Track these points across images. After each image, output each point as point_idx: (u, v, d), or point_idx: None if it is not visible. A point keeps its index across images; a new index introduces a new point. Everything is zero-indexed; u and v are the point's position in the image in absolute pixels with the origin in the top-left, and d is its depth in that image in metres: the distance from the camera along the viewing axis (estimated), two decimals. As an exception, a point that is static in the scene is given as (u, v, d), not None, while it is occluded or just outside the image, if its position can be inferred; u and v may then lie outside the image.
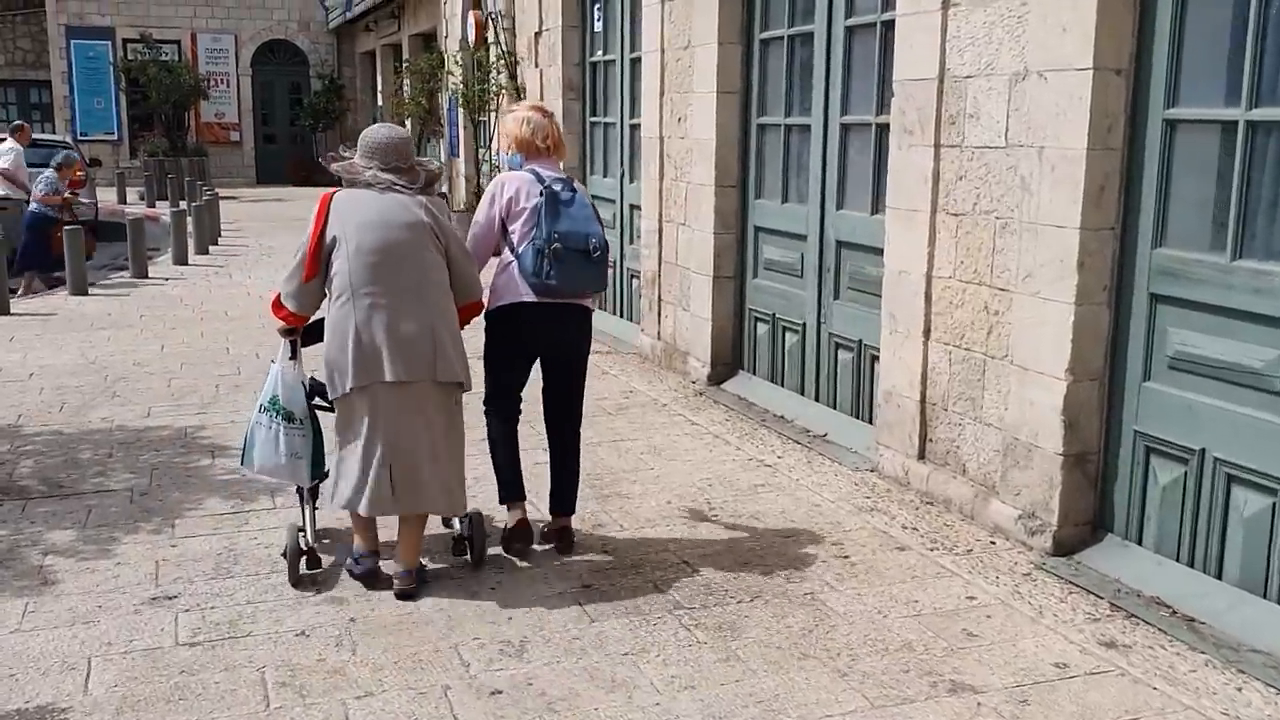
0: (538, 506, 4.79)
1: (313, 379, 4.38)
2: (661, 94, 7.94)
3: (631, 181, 9.13)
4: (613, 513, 5.08)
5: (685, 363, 7.75)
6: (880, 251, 5.78)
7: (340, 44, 30.19)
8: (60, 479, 5.52)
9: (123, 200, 23.56)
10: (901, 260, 5.34)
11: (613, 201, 9.52)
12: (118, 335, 9.33)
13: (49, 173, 12.54)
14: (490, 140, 15.90)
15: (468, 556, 4.40)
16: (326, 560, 4.41)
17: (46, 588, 4.24)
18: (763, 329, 7.13)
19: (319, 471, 4.37)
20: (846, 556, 4.57)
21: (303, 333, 4.29)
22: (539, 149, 4.47)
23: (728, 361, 7.43)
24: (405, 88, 21.25)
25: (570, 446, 4.63)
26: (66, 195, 13.10)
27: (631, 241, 9.20)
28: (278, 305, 4.21)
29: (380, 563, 4.26)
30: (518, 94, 12.78)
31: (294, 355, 4.32)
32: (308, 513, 4.41)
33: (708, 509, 5.13)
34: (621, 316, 9.47)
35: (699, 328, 7.52)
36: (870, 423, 6.02)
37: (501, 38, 15.29)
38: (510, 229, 4.35)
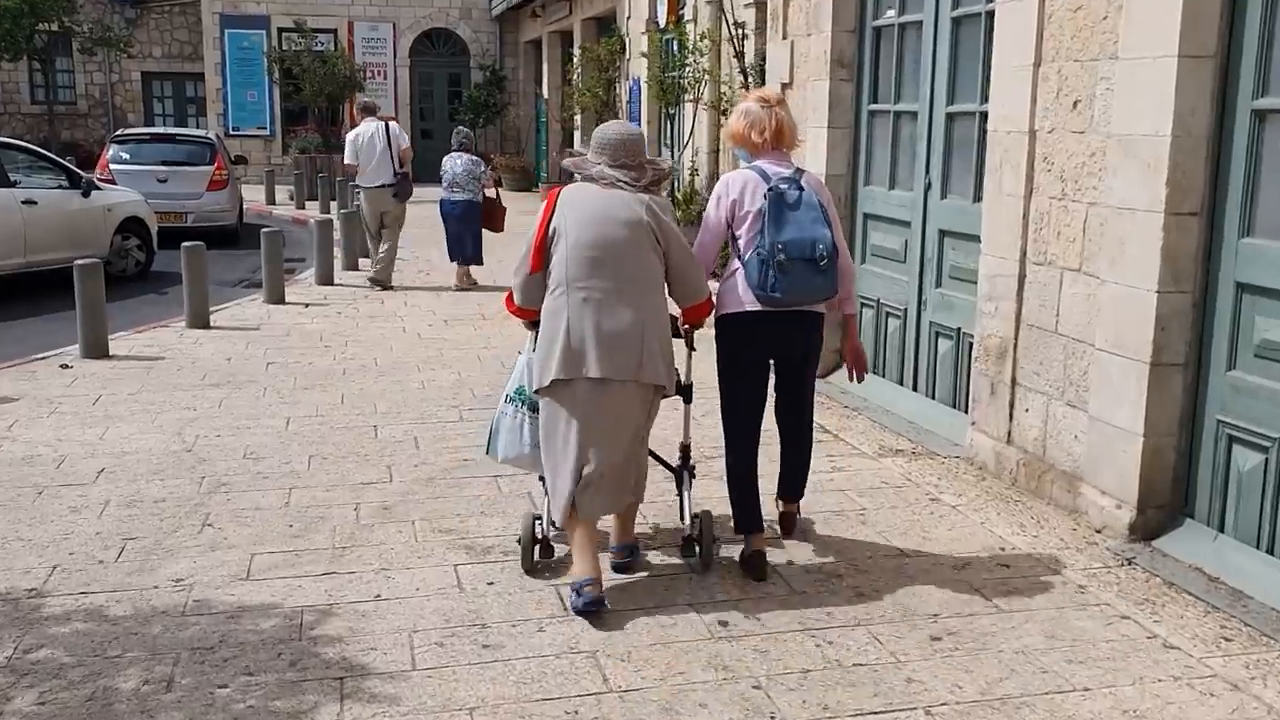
0: None
1: None
2: (1037, 65, 5.09)
3: (945, 197, 6.30)
4: None
5: (1075, 493, 4.88)
6: None
7: (503, 32, 28.08)
8: (65, 759, 3.03)
9: (271, 200, 21.82)
10: None
11: (905, 225, 6.69)
12: (232, 399, 6.95)
13: (469, 158, 11.44)
14: (688, 137, 13.26)
15: (696, 557, 4.30)
16: (560, 550, 4.31)
17: None
18: (1249, 460, 4.21)
19: None
20: None
21: None
22: (755, 143, 4.22)
23: (1164, 503, 4.54)
24: (575, 78, 18.83)
25: (799, 438, 4.48)
26: (493, 174, 12.10)
27: (939, 284, 6.36)
28: (510, 299, 4.19)
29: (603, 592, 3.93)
30: (744, 76, 10.07)
31: None
32: (548, 502, 4.22)
33: None
34: (916, 389, 6.64)
35: (1111, 442, 4.64)
36: None
37: (704, 11, 12.62)
38: (736, 233, 4.16)
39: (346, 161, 11.60)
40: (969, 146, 6.03)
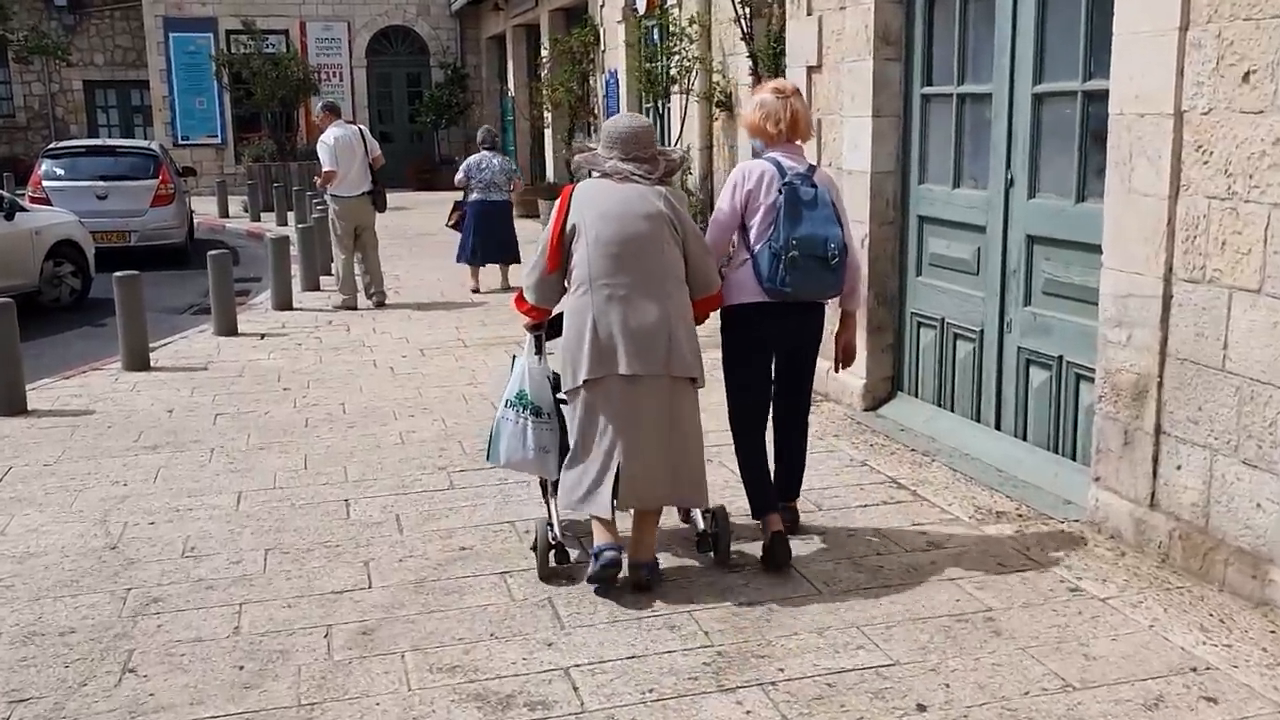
0: None
1: (555, 373, 4.20)
2: (1184, 28, 3.97)
3: (1033, 196, 5.18)
4: None
5: (1263, 579, 3.77)
6: None
7: (464, 28, 26.82)
8: None
9: (224, 213, 20.49)
10: None
11: (978, 229, 5.57)
12: (172, 466, 5.73)
13: (503, 157, 11.42)
14: (678, 132, 12.11)
15: (712, 554, 4.23)
16: (574, 553, 4.24)
17: None
18: None
19: None
20: None
21: (548, 325, 4.19)
22: (771, 135, 4.21)
23: (1403, 597, 3.44)
24: (545, 73, 17.65)
25: (794, 427, 4.48)
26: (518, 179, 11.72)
27: (1028, 302, 5.25)
28: (520, 299, 4.12)
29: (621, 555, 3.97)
30: (753, 61, 8.93)
31: (539, 350, 4.21)
32: (553, 506, 4.25)
33: None
34: (999, 428, 5.52)
35: (1320, 517, 3.54)
36: None
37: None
38: (748, 223, 4.16)
39: (327, 168, 10.30)
40: (1066, 134, 4.92)
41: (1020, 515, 4.73)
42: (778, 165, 4.13)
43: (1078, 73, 4.79)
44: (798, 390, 4.44)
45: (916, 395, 6.22)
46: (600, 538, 3.95)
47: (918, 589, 3.99)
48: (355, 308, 10.50)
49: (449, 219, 11.67)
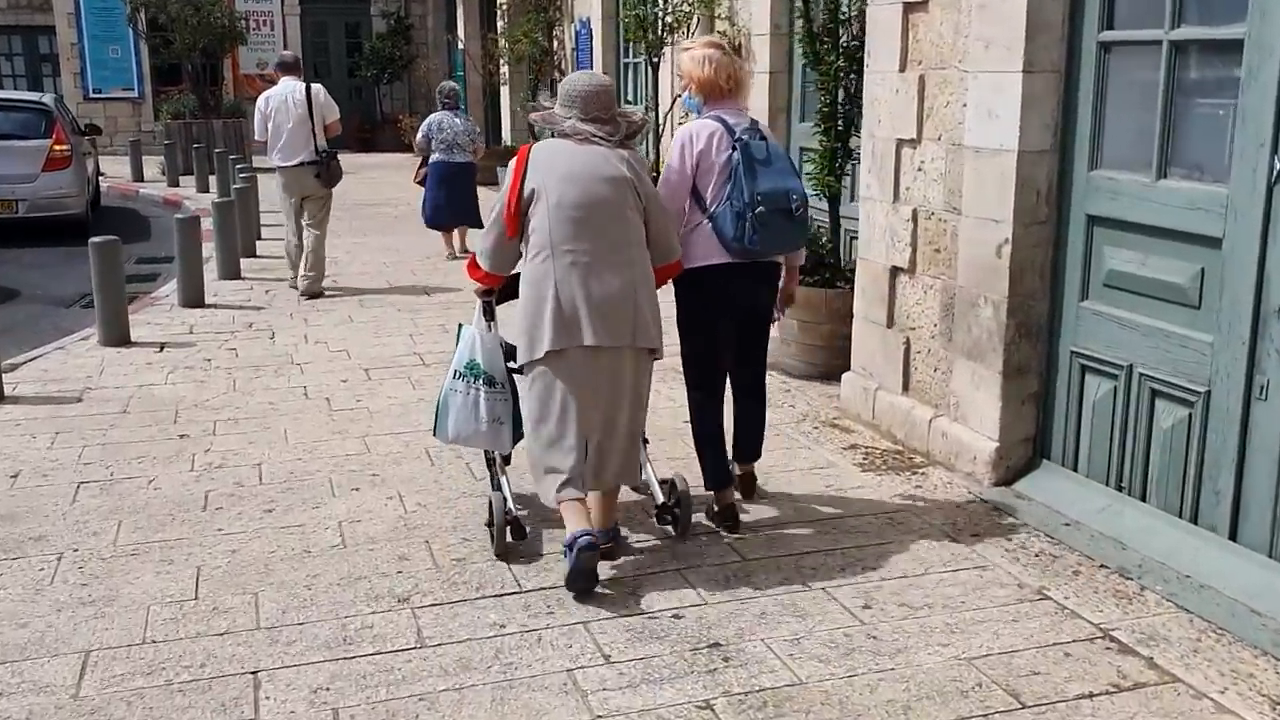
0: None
1: (508, 342, 4.05)
2: None
3: (1321, 198, 3.36)
4: None
5: None
6: None
7: (409, -27, 24.44)
8: None
9: (138, 177, 18.13)
10: None
11: (1207, 243, 3.74)
12: (-12, 595, 3.77)
13: (466, 119, 10.56)
14: (674, 92, 10.16)
15: (671, 528, 4.13)
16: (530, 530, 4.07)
17: None
18: None
19: (519, 436, 4.07)
20: None
21: (498, 290, 4.05)
22: (722, 90, 4.10)
23: None
24: (500, 22, 15.60)
25: (755, 391, 4.36)
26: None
27: (1297, 355, 3.44)
28: (474, 265, 3.97)
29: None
30: (804, 2, 7.00)
31: (490, 316, 4.10)
32: (505, 481, 4.13)
33: None
34: (1236, 538, 3.73)
35: None
36: None
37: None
38: (700, 185, 4.02)
39: (256, 137, 8.90)
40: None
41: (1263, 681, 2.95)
42: (724, 124, 4.01)
43: None
44: (756, 356, 4.32)
45: (1075, 468, 4.43)
46: (573, 524, 3.68)
47: None
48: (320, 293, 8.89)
49: (416, 175, 10.82)
